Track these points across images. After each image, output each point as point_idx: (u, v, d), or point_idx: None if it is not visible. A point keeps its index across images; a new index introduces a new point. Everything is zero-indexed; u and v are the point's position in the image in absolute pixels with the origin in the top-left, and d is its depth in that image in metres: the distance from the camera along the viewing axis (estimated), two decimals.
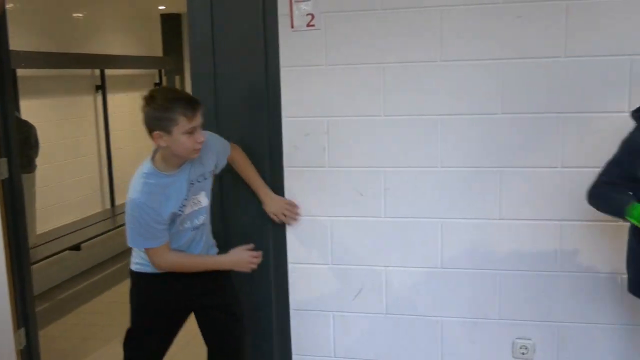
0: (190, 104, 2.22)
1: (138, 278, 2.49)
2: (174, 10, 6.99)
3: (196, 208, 2.41)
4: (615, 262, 2.51)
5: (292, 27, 2.59)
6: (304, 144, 2.71)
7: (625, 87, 2.42)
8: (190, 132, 2.22)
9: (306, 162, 2.72)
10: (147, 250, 2.35)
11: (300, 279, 2.82)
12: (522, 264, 2.61)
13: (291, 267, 2.82)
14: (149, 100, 2.23)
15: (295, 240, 2.80)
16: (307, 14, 2.56)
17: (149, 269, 2.42)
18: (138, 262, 2.47)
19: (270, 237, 2.80)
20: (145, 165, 2.31)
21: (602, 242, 2.54)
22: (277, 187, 2.75)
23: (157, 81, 6.90)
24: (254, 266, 2.47)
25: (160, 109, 2.20)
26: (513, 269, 2.62)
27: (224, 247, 2.61)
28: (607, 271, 2.56)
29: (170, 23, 7.19)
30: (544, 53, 2.46)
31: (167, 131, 2.20)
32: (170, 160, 2.30)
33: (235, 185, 2.75)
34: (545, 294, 2.62)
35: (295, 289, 2.85)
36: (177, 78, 7.28)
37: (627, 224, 2.19)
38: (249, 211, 2.79)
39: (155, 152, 2.34)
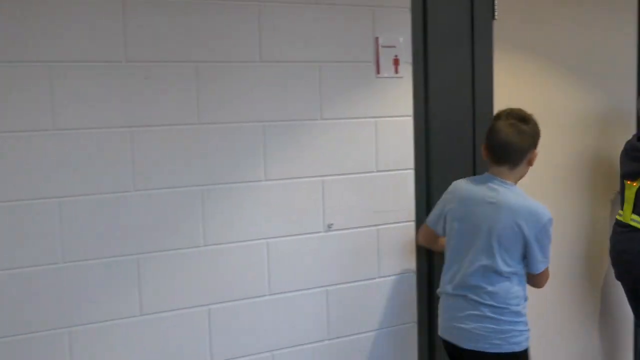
0: None
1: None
2: None
3: None
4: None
5: None
6: None
7: (260, 154, 2.31)
8: None
9: None
10: (544, 274, 2.27)
11: None
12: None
13: None
14: (529, 117, 2.24)
15: None
16: None
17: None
18: (518, 338, 2.22)
19: None
20: (518, 189, 2.26)
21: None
22: None
23: None
24: None
25: (538, 128, 2.25)
26: None
27: None
28: None
29: None
30: (176, 119, 2.18)
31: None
32: None
33: None
34: None
35: None
36: None
37: None
38: None
39: (492, 178, 2.27)
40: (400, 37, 2.49)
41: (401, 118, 2.53)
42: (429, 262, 2.64)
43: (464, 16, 2.61)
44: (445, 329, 2.34)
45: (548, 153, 2.72)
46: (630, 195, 2.90)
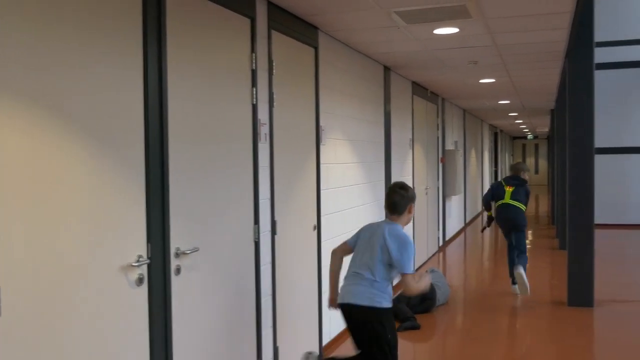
0: None
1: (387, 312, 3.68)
2: None
3: None
4: None
5: None
6: None
7: None
8: None
9: None
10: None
11: None
12: None
13: None
14: (406, 186, 3.94)
15: None
16: None
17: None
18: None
19: None
20: (398, 226, 3.83)
21: None
22: None
23: None
24: None
25: (412, 192, 3.99)
26: None
27: None
28: None
29: None
30: None
31: None
32: None
33: None
34: None
35: None
36: None
37: None
38: None
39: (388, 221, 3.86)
40: None
41: None
42: None
43: None
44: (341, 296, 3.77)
45: None
46: (508, 193, 7.15)
